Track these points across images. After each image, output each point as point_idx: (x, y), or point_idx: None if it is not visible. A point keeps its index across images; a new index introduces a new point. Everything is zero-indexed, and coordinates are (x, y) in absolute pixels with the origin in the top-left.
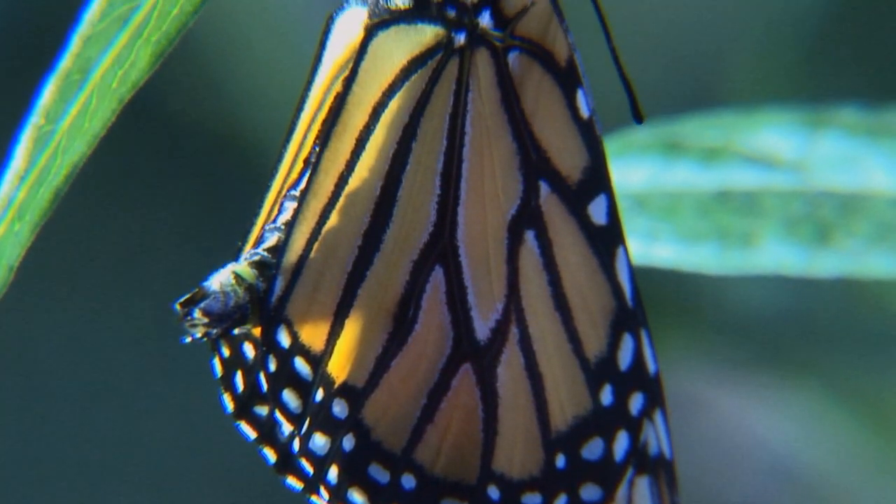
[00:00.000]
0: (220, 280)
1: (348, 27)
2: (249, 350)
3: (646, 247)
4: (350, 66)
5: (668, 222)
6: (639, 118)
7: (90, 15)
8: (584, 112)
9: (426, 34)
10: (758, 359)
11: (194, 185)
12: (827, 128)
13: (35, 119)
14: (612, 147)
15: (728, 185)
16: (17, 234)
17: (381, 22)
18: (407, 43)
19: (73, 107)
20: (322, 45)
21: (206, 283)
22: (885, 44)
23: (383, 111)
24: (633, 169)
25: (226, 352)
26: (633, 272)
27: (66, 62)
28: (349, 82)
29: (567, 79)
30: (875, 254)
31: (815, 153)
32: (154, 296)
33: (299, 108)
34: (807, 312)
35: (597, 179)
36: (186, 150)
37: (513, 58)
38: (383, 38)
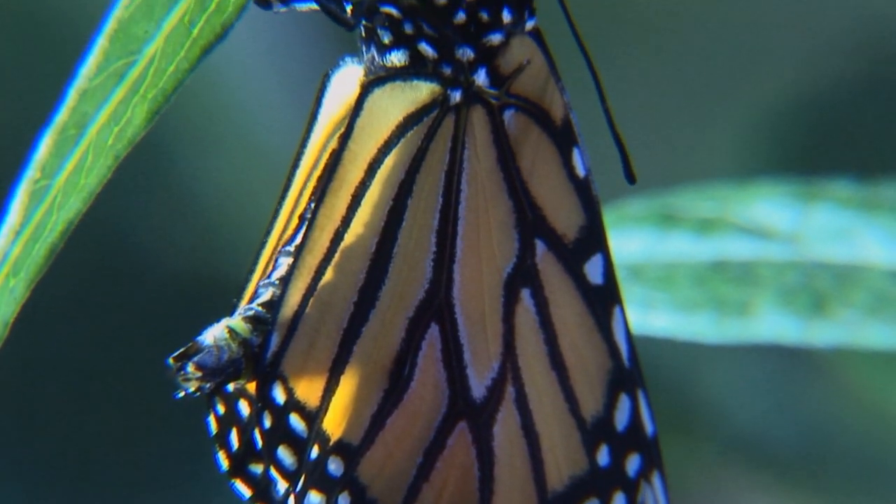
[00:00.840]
0: (213, 334)
1: (344, 85)
2: (244, 408)
3: (642, 316)
4: (346, 122)
5: (664, 292)
6: (631, 178)
7: (86, 69)
8: (581, 171)
9: (422, 91)
10: (763, 478)
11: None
12: (820, 201)
13: (31, 173)
14: (608, 218)
15: (723, 256)
16: (12, 290)
17: (377, 79)
18: (403, 100)
19: (69, 162)
20: (318, 103)
21: (199, 338)
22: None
23: (379, 167)
24: (628, 240)
25: (221, 409)
26: (630, 332)
27: (62, 116)
28: (345, 138)
29: (563, 138)
30: (872, 325)
31: (808, 225)
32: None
33: (294, 165)
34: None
35: (593, 239)
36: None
37: (509, 116)
38: (379, 95)
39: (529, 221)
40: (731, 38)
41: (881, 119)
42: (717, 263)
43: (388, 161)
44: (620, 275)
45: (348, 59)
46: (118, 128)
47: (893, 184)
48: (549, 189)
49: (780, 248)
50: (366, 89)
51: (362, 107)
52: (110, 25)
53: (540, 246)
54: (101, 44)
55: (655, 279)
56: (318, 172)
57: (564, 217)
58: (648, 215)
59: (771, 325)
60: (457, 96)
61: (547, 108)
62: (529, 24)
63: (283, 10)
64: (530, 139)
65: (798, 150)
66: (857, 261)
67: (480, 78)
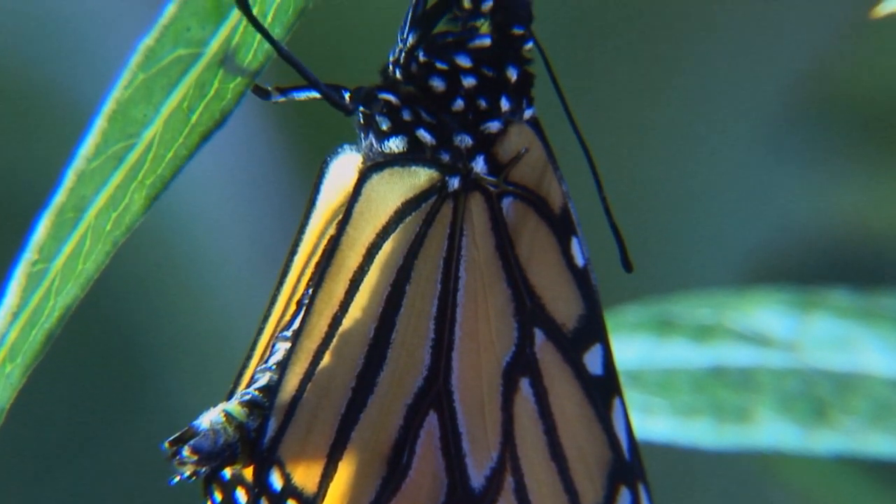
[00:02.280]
0: (210, 418)
1: (342, 172)
2: (241, 496)
3: (641, 421)
4: (344, 208)
5: (663, 397)
6: (628, 267)
7: (85, 149)
8: (579, 261)
9: (420, 177)
10: None
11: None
12: (817, 309)
13: (29, 255)
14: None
15: (722, 362)
16: (8, 376)
17: (375, 165)
18: (401, 186)
19: (67, 246)
20: (316, 189)
21: (195, 422)
22: None
23: (377, 252)
24: (626, 346)
25: (218, 497)
26: (630, 425)
27: (60, 197)
28: (343, 223)
29: (561, 226)
30: (874, 433)
31: (807, 333)
32: None
33: (292, 252)
34: None
35: (592, 329)
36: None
37: (507, 204)
38: (377, 181)
39: (528, 310)
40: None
41: None
42: (715, 369)
43: (387, 246)
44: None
45: (346, 147)
46: (116, 213)
47: (892, 294)
48: (547, 278)
49: (779, 355)
50: (364, 175)
51: (360, 192)
52: (109, 106)
53: (539, 335)
54: (100, 124)
55: (654, 385)
56: (315, 259)
57: (563, 306)
58: (646, 322)
59: (771, 431)
60: (455, 183)
61: (545, 197)
62: (528, 114)
63: (282, 100)
64: (529, 227)
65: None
66: (858, 369)
67: (479, 165)
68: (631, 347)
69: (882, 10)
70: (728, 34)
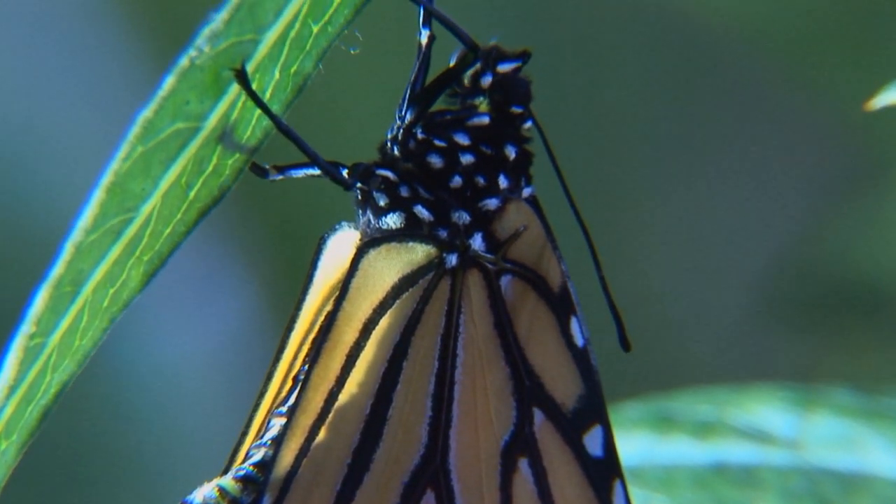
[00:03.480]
0: (203, 493)
1: (339, 249)
2: None
3: None
4: (341, 283)
5: (664, 494)
6: (626, 347)
7: (83, 222)
8: (579, 341)
9: (417, 254)
10: None
11: None
12: (820, 407)
13: (27, 328)
14: None
15: (724, 459)
16: (3, 453)
17: (372, 241)
18: (398, 262)
19: (65, 321)
20: (313, 266)
21: (189, 497)
22: None
23: (374, 328)
24: (626, 442)
25: None
26: None
27: (58, 269)
28: (340, 299)
29: (561, 305)
30: None
31: (810, 432)
32: None
33: (289, 329)
34: None
35: (592, 409)
36: None
37: (505, 282)
38: (374, 256)
39: (527, 389)
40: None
41: None
42: (717, 466)
43: (384, 322)
44: None
45: (344, 224)
46: (114, 289)
47: (894, 393)
48: (547, 357)
49: (782, 453)
50: (361, 251)
51: (357, 267)
52: (108, 178)
53: (538, 415)
54: (98, 197)
55: (656, 481)
56: (312, 336)
57: (563, 386)
58: (646, 419)
59: None
60: (453, 260)
61: (544, 275)
62: (526, 192)
63: (280, 178)
64: (527, 306)
65: None
66: (863, 469)
67: (476, 243)
68: (631, 444)
69: (877, 104)
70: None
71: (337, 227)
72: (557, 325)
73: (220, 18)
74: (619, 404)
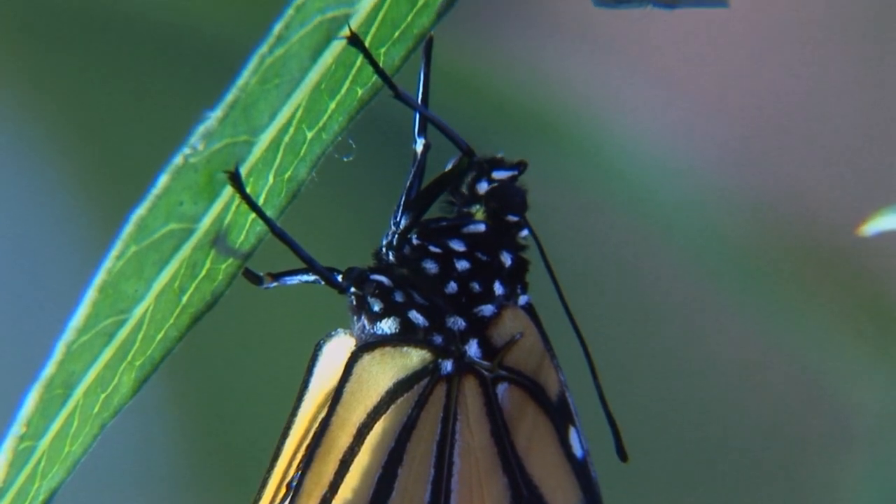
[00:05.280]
0: None
1: (335, 355)
2: None
3: None
4: (335, 388)
5: None
6: (623, 456)
7: (75, 322)
8: (578, 452)
9: (412, 359)
10: None
11: None
12: None
13: (17, 429)
14: None
15: None
16: None
17: (366, 345)
18: (393, 366)
19: (55, 424)
20: (309, 372)
21: None
22: None
23: (368, 433)
24: None
25: None
26: None
27: (50, 370)
28: (334, 403)
29: (559, 415)
30: None
31: None
32: None
33: (284, 436)
34: None
35: None
36: None
37: (502, 390)
38: (368, 361)
39: (525, 499)
40: None
41: None
42: None
43: (378, 427)
44: None
45: (339, 331)
46: (105, 395)
47: None
48: (545, 467)
49: None
50: (355, 355)
51: (351, 372)
52: (101, 277)
53: None
54: (91, 296)
55: None
56: (307, 443)
57: (562, 498)
58: None
59: None
60: (448, 366)
61: (542, 384)
62: (523, 301)
63: (274, 285)
64: (526, 415)
65: None
66: None
67: (472, 349)
68: None
69: (869, 230)
70: None
71: (332, 333)
72: (556, 435)
73: (214, 117)
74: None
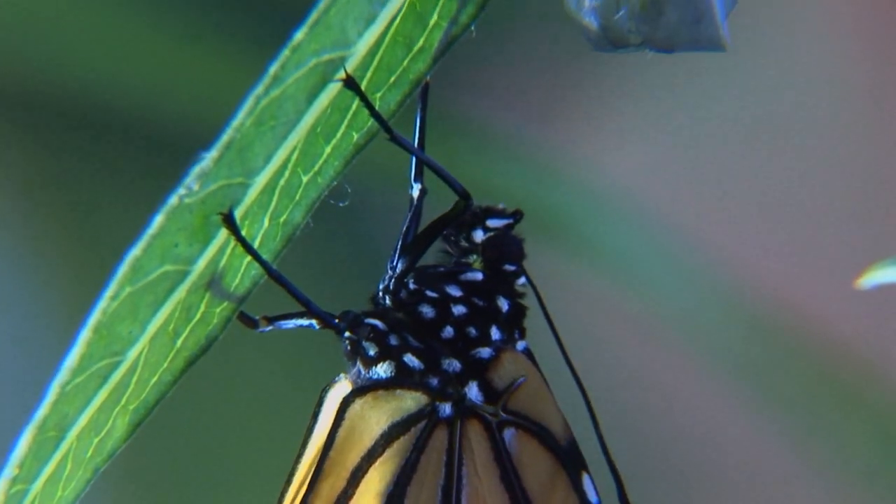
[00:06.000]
0: None
1: (337, 400)
2: None
3: None
4: (326, 435)
5: None
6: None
7: (69, 362)
8: (592, 499)
9: (407, 401)
10: None
11: None
12: None
13: (9, 472)
14: None
15: None
16: None
17: (359, 389)
18: (387, 409)
19: (48, 468)
20: (314, 419)
21: None
22: None
23: (363, 476)
24: None
25: None
26: None
27: (43, 411)
28: (326, 449)
29: (570, 460)
30: None
31: None
32: None
33: (288, 482)
34: None
35: None
36: None
37: (509, 435)
38: (361, 405)
39: None
40: None
41: None
42: None
43: (373, 471)
44: None
45: (342, 376)
46: (98, 438)
47: None
48: None
49: None
50: (346, 401)
51: (343, 417)
52: (96, 317)
53: None
54: (85, 336)
55: None
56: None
57: None
58: None
59: None
60: (447, 409)
61: (550, 428)
62: (520, 347)
63: (269, 329)
64: (535, 459)
65: None
66: None
67: (472, 392)
68: None
69: (867, 282)
70: None
71: (336, 379)
72: (568, 482)
73: (210, 157)
74: None
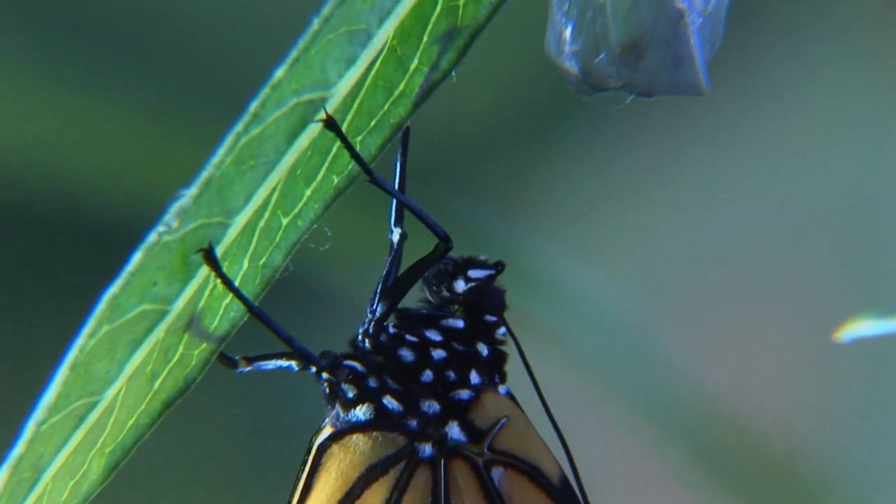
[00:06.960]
0: None
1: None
2: None
3: None
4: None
5: None
6: None
7: (46, 400)
8: None
9: (384, 442)
10: None
11: None
12: None
13: None
14: None
15: None
16: None
17: (336, 433)
18: (363, 452)
19: None
20: (303, 467)
21: None
22: None
23: None
24: None
25: None
26: None
27: (19, 450)
28: (304, 496)
29: (564, 499)
30: None
31: None
32: None
33: None
34: None
35: None
36: None
37: (498, 475)
38: (336, 449)
39: None
40: None
41: None
42: None
43: None
44: None
45: (327, 422)
46: (74, 481)
47: None
48: None
49: None
50: (322, 446)
51: (319, 462)
52: (73, 354)
53: None
54: (62, 374)
55: None
56: None
57: None
58: None
59: None
60: (427, 450)
61: (538, 465)
62: (502, 391)
63: (248, 370)
64: (528, 499)
65: None
66: None
67: (453, 432)
68: None
69: (845, 336)
70: None
71: (322, 425)
72: None
73: (189, 195)
74: None
